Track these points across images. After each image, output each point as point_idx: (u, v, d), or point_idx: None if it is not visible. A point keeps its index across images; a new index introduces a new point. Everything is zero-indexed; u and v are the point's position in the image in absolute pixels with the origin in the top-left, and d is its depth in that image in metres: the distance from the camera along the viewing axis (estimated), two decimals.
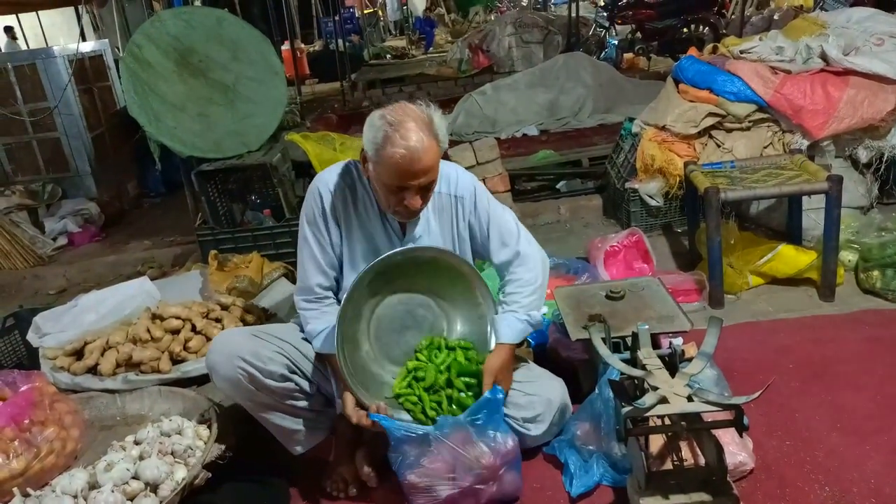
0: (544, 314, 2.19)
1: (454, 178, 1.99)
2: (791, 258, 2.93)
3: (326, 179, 1.93)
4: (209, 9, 3.70)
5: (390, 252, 1.85)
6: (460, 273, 1.96)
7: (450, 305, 2.02)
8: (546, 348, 2.45)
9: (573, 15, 9.30)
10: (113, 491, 1.66)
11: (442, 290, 2.00)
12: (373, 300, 1.94)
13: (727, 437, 1.81)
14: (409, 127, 1.70)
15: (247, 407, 1.93)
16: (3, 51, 7.64)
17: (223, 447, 1.86)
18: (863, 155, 3.38)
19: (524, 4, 18.69)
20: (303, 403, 1.96)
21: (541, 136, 5.83)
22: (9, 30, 9.81)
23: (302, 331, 2.02)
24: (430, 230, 1.99)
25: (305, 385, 1.94)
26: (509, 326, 1.97)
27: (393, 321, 1.98)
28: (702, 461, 1.72)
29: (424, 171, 1.74)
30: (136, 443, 1.90)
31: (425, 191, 1.81)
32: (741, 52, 3.65)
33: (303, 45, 13.01)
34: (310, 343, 1.97)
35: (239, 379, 1.83)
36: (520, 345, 2.34)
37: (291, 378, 1.91)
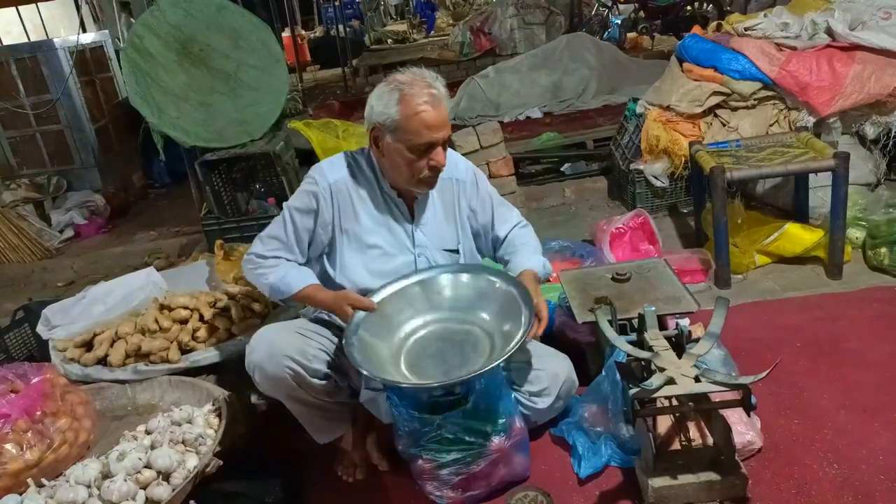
0: (550, 298, 2.19)
1: (453, 162, 1.99)
2: (798, 237, 2.92)
3: (327, 176, 1.89)
4: None
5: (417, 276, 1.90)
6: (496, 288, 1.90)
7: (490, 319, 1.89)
8: (552, 331, 2.45)
9: None
10: (126, 480, 1.67)
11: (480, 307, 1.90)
12: (400, 324, 1.90)
13: (735, 416, 1.81)
14: (420, 82, 1.75)
15: (285, 402, 1.92)
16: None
17: (234, 435, 1.87)
18: (870, 131, 3.35)
19: None
20: (336, 398, 1.96)
21: (544, 119, 5.80)
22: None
23: (322, 323, 1.99)
24: (436, 213, 1.99)
25: (341, 380, 1.94)
26: (531, 260, 1.99)
27: (426, 346, 1.88)
28: (710, 441, 1.73)
29: (445, 122, 1.77)
30: (148, 432, 1.92)
31: (445, 147, 1.82)
32: (746, 29, 3.61)
33: (303, 32, 12.94)
34: (328, 330, 1.95)
35: (285, 377, 1.82)
36: None
37: (330, 374, 1.90)
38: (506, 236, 2.09)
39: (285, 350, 1.81)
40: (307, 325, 1.97)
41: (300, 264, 1.95)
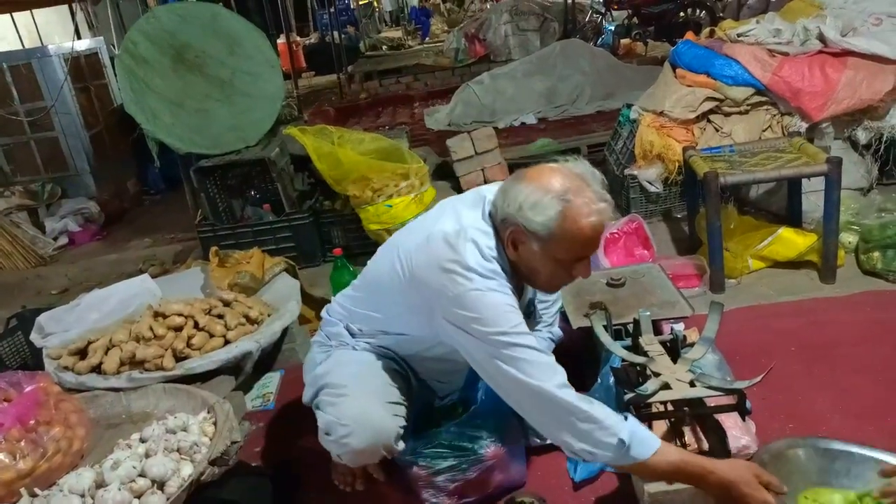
0: None
1: None
2: (791, 241, 2.93)
3: (505, 291, 1.59)
4: (204, 3, 3.69)
5: None
6: None
7: None
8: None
9: (569, 1, 9.25)
10: (120, 489, 1.66)
11: None
12: None
13: (730, 421, 1.81)
14: (587, 192, 1.51)
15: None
16: None
17: (229, 443, 1.86)
18: (862, 136, 3.37)
19: None
20: None
21: (539, 125, 5.82)
22: None
23: (393, 371, 1.83)
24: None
25: None
26: (542, 346, 2.01)
27: None
28: (705, 446, 1.73)
29: (603, 234, 1.58)
30: (142, 440, 1.91)
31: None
32: (738, 35, 3.63)
33: (298, 38, 12.95)
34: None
35: (374, 461, 1.79)
36: None
37: None
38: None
39: (385, 437, 1.69)
40: (389, 385, 1.79)
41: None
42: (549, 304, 2.12)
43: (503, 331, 1.51)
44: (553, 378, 1.51)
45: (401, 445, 1.74)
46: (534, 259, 1.58)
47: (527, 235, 1.54)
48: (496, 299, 1.54)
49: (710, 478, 1.45)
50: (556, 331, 2.12)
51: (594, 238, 1.54)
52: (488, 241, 1.61)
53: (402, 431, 1.73)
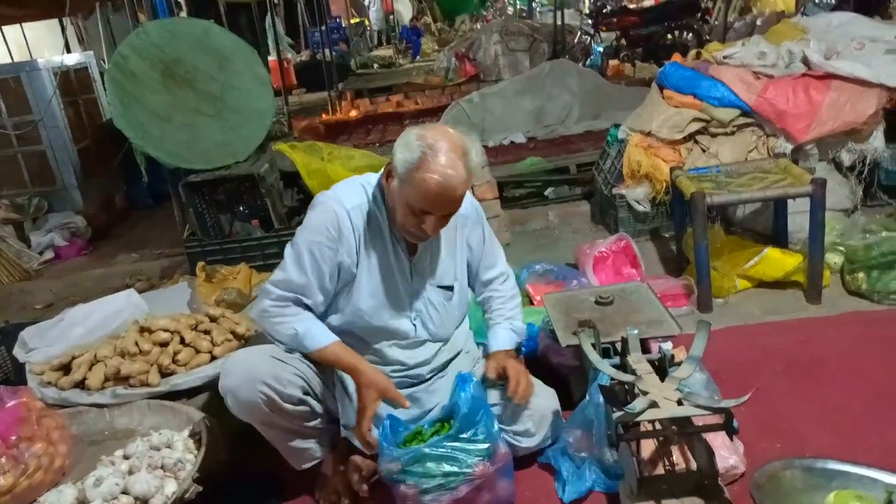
0: (534, 321, 2.20)
1: None
2: (777, 261, 2.95)
3: (344, 203, 1.82)
4: (195, 20, 3.71)
5: None
6: None
7: None
8: (536, 355, 2.45)
9: (559, 23, 9.36)
10: None
11: None
12: None
13: (718, 440, 1.82)
14: (448, 156, 1.64)
15: (258, 427, 1.88)
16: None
17: (214, 460, 1.84)
18: (846, 158, 3.42)
19: (510, 13, 18.82)
20: (312, 423, 1.92)
21: (528, 144, 5.85)
22: None
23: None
24: (437, 249, 1.95)
25: (317, 406, 1.91)
26: (503, 337, 2.06)
27: None
28: (693, 465, 1.73)
29: (452, 202, 1.71)
30: (126, 457, 1.89)
31: (445, 220, 1.77)
32: (724, 57, 3.69)
33: (289, 55, 12.99)
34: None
35: (259, 404, 1.78)
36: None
37: (306, 400, 1.86)
38: (486, 282, 2.11)
39: (260, 375, 1.76)
40: (283, 351, 1.91)
41: (321, 312, 1.88)
42: (506, 300, 2.11)
43: (302, 238, 1.81)
44: (277, 291, 1.82)
45: (290, 390, 1.81)
46: (393, 195, 1.75)
47: (395, 170, 1.70)
48: (324, 213, 1.80)
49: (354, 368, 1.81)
50: (519, 325, 2.11)
51: (435, 195, 1.66)
52: (369, 179, 1.88)
53: (284, 374, 1.80)
